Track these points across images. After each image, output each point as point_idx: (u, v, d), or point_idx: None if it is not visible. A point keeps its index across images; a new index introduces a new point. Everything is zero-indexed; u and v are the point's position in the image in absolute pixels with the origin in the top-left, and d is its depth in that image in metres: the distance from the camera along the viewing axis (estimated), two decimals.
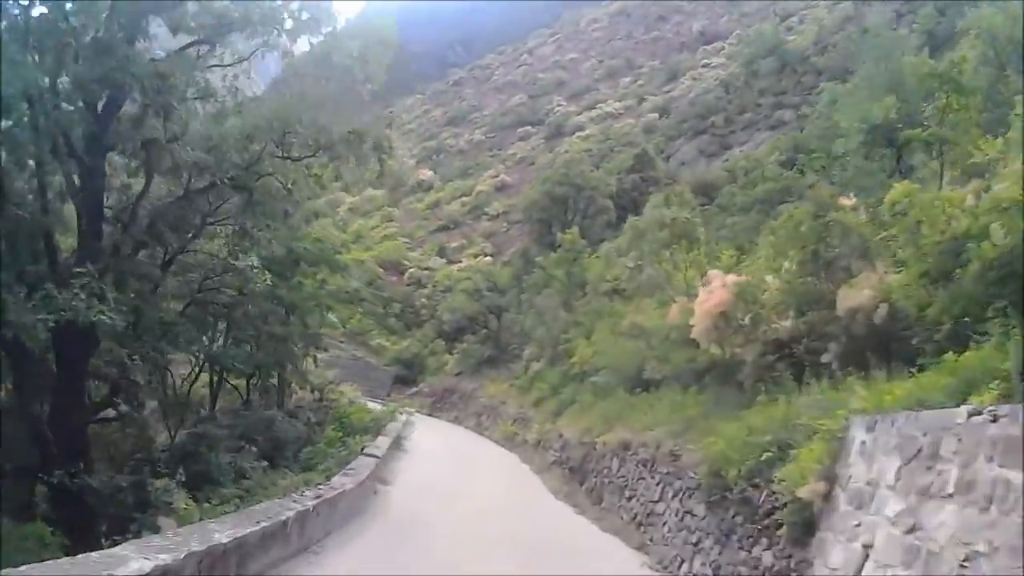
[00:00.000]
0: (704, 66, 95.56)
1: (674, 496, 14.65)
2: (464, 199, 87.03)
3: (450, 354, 57.79)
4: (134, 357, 17.81)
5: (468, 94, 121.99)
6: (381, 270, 74.23)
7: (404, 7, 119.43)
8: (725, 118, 69.64)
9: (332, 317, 36.49)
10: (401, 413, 33.66)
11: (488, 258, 72.23)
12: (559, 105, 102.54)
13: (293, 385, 31.46)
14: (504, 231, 78.55)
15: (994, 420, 5.88)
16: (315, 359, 32.70)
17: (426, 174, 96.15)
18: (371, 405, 35.28)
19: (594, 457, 21.68)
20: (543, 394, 34.76)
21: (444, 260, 76.92)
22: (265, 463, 20.96)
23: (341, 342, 62.17)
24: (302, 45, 24.70)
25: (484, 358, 51.57)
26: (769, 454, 10.69)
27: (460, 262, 73.86)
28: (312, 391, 32.63)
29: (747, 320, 15.01)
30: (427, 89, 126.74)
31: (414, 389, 56.77)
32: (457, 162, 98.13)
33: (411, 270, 75.40)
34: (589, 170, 59.65)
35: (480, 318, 54.23)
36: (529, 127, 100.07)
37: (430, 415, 48.41)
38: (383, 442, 24.46)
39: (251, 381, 29.48)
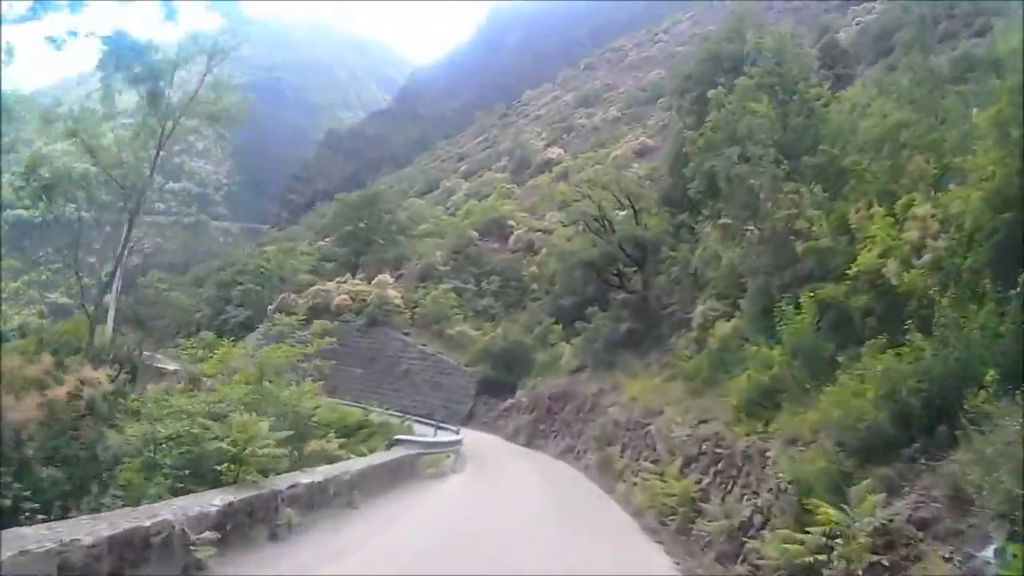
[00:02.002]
0: None
1: None
2: (597, 167, 65.94)
3: (569, 342, 35.20)
4: None
5: (600, 76, 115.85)
6: (475, 234, 52.66)
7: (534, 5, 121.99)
8: None
9: None
10: None
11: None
12: None
13: None
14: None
15: None
16: None
17: (555, 152, 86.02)
18: None
19: None
20: (751, 394, 11.56)
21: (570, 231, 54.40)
22: None
23: (405, 333, 41.21)
24: None
25: (618, 338, 28.78)
26: None
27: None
28: None
29: None
30: (557, 76, 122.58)
31: (508, 401, 34.69)
32: (591, 138, 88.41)
33: (518, 232, 53.29)
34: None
35: (610, 269, 31.30)
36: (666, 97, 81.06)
37: (527, 446, 26.58)
38: None
39: None
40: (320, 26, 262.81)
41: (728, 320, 18.59)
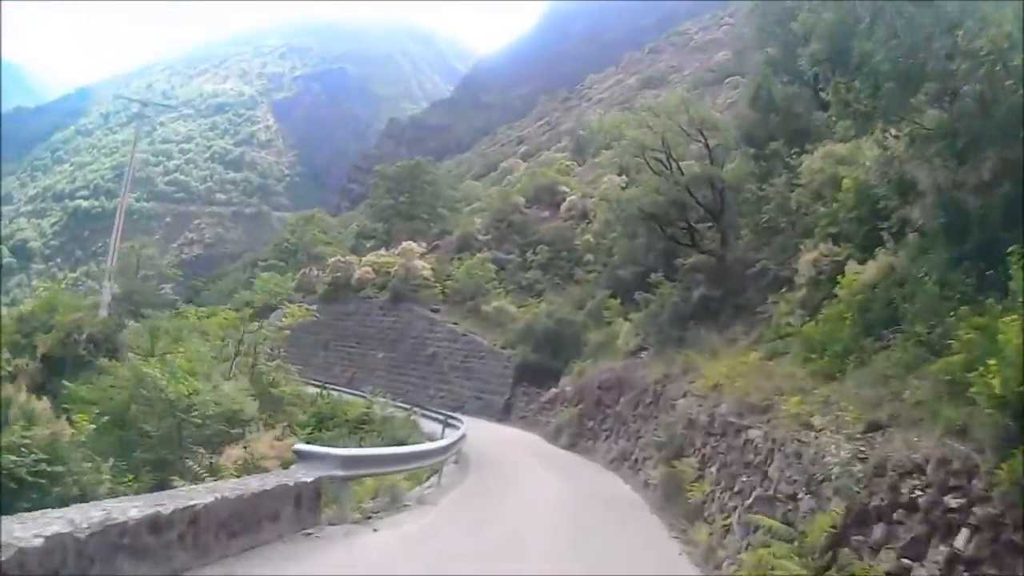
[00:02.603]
0: None
1: None
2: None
3: (626, 318, 28.02)
4: None
5: (664, 59, 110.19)
6: (521, 200, 45.72)
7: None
8: None
9: None
10: None
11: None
12: None
13: None
14: None
15: None
16: None
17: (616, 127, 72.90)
18: None
19: None
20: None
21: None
22: None
23: (435, 309, 34.68)
24: None
25: (689, 308, 21.62)
26: None
27: None
28: None
29: None
30: (621, 60, 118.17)
31: (552, 391, 27.72)
32: None
33: (571, 198, 46.09)
34: None
35: (678, 223, 24.10)
36: (739, 76, 72.47)
37: (570, 448, 19.71)
38: None
39: None
40: (385, 18, 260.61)
41: (862, 263, 11.36)
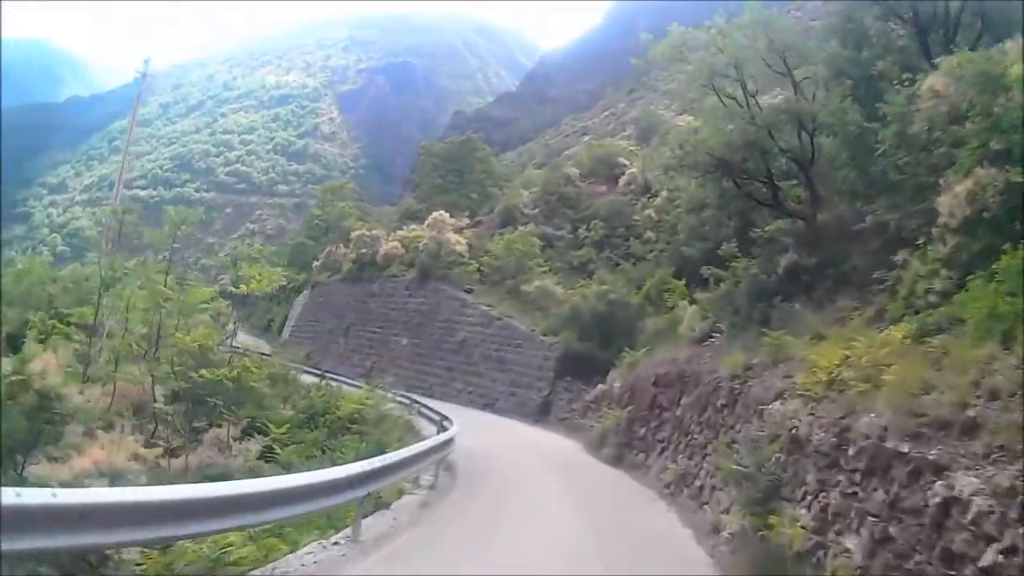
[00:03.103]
0: None
1: None
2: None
3: (690, 300, 22.49)
4: None
5: (732, 51, 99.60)
6: (574, 171, 40.42)
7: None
8: None
9: None
10: None
11: None
12: None
13: None
14: None
15: None
16: None
17: (684, 120, 67.85)
18: None
19: None
20: None
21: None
22: None
23: (468, 289, 29.75)
24: None
25: (773, 282, 15.81)
26: None
27: None
28: None
29: None
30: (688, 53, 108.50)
31: (599, 387, 22.44)
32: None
33: (631, 171, 40.57)
34: None
35: (755, 173, 18.40)
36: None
37: (615, 464, 14.42)
38: None
39: None
40: (450, 13, 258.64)
41: None
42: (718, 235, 22.31)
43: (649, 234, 33.50)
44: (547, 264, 32.36)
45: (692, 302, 22.52)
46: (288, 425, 18.62)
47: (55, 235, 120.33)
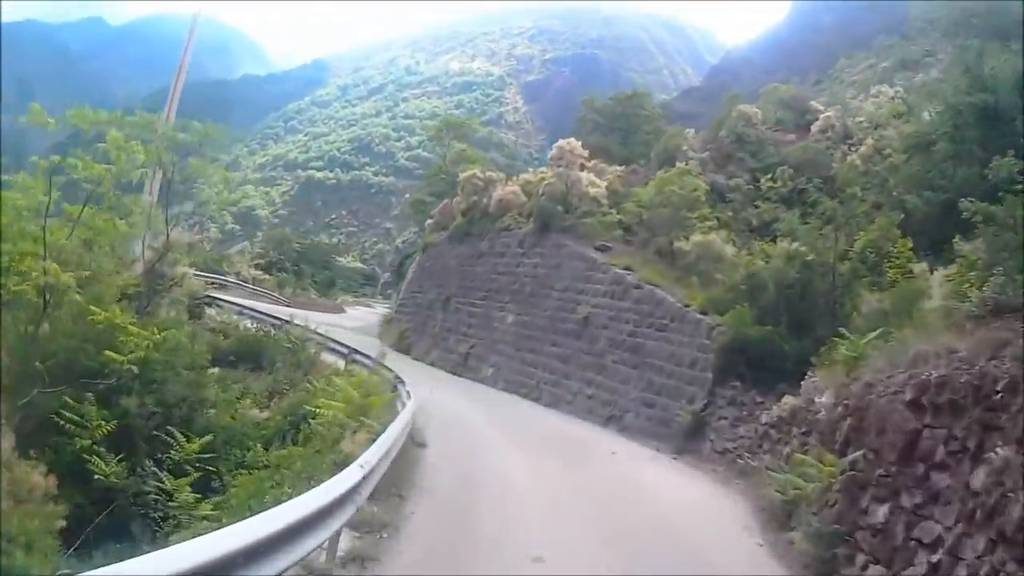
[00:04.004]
0: None
1: None
2: None
3: (932, 268, 12.18)
4: None
5: (919, 43, 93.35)
6: (755, 111, 30.18)
7: None
8: None
9: None
10: None
11: None
12: None
13: None
14: None
15: None
16: None
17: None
18: None
19: None
20: None
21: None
22: None
23: (603, 247, 20.91)
24: None
25: None
26: None
27: None
28: None
29: None
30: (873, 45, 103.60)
31: (788, 400, 12.43)
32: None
33: (826, 115, 29.81)
34: None
35: None
36: None
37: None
38: None
39: None
40: (636, 7, 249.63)
41: None
42: (954, 176, 17.01)
43: (855, 191, 23.27)
44: (713, 214, 22.72)
45: (931, 268, 13.61)
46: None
47: (224, 212, 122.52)
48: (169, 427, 11.65)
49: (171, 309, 18.57)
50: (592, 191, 24.38)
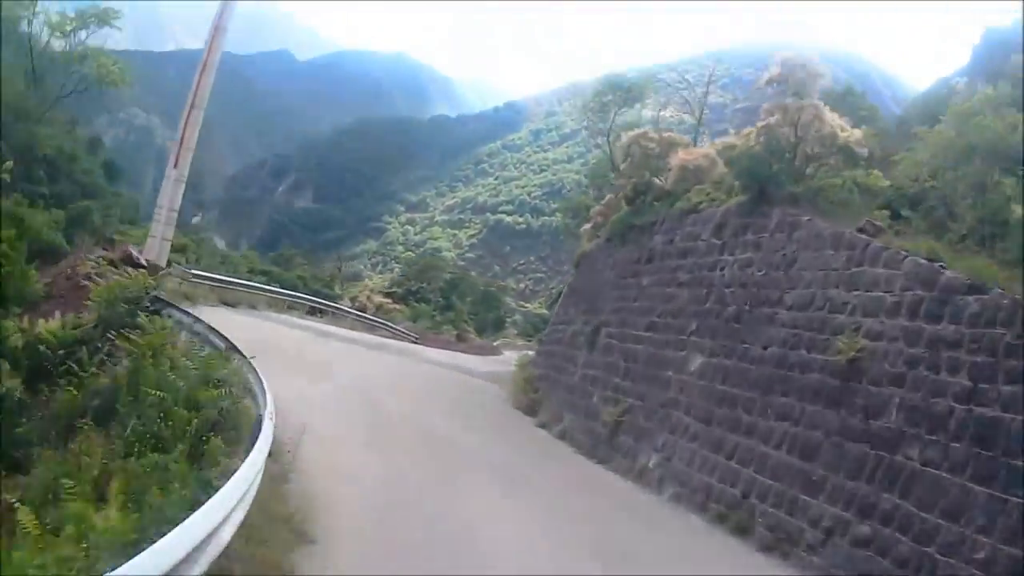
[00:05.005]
0: None
1: None
2: None
3: None
4: None
5: None
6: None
7: None
8: None
9: None
10: None
11: None
12: None
13: None
14: None
15: None
16: None
17: None
18: None
19: None
20: None
21: None
22: None
23: (866, 229, 9.77)
24: None
25: None
26: None
27: None
28: None
29: None
30: None
31: None
32: None
33: None
34: None
35: None
36: None
37: None
38: None
39: None
40: (820, 48, 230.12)
41: None
42: None
43: None
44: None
45: None
46: None
47: (409, 252, 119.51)
48: None
49: None
50: (845, 136, 13.55)
